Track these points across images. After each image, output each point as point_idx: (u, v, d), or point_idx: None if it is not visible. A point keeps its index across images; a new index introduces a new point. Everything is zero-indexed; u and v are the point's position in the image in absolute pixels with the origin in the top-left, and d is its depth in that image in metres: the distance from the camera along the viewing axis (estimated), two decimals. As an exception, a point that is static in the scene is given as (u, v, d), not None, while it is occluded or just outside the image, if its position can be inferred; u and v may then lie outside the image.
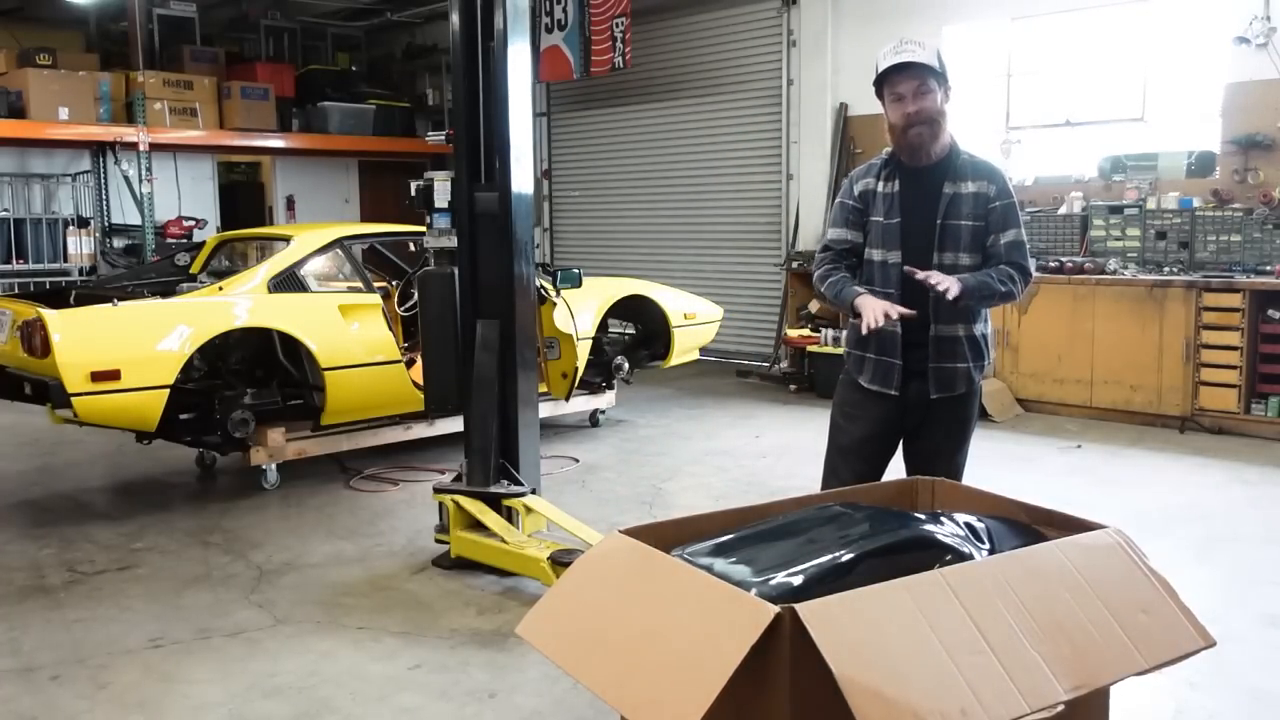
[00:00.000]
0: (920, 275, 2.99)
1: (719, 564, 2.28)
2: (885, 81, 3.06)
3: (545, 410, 6.27)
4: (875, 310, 2.94)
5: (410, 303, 6.35)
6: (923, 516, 2.51)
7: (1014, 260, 3.12)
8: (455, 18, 4.48)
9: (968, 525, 2.45)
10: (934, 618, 1.88)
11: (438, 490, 4.58)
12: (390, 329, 5.97)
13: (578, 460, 6.43)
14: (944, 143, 3.11)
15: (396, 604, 4.10)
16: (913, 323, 3.09)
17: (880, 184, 3.19)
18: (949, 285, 2.94)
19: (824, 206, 9.27)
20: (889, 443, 3.29)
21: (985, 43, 8.47)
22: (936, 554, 2.27)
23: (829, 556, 2.22)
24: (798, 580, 2.15)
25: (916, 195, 3.13)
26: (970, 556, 2.28)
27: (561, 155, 12.03)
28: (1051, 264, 7.50)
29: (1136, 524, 2.69)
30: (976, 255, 3.13)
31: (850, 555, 2.22)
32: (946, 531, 2.39)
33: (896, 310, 2.96)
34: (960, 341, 3.15)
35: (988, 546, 2.38)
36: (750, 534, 2.50)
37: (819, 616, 1.79)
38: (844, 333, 3.57)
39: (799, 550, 2.28)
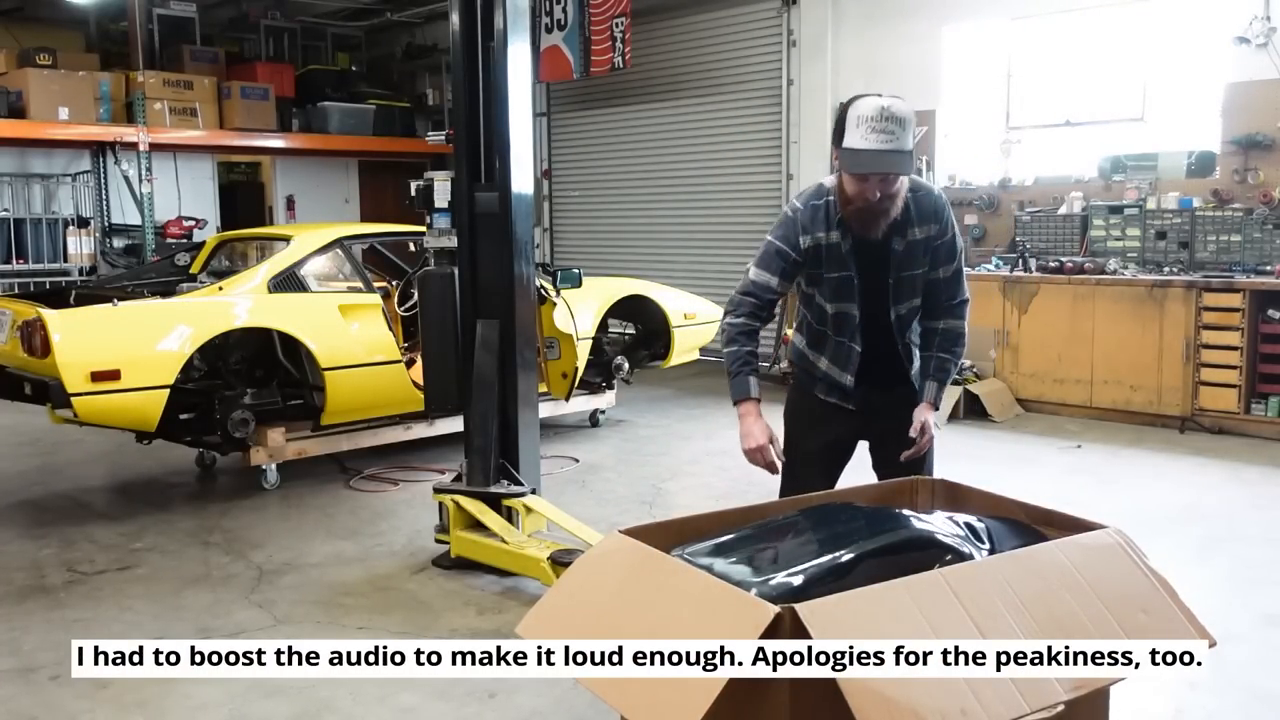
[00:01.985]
0: (914, 434, 2.96)
1: (719, 564, 2.28)
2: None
3: (545, 410, 6.27)
4: (755, 452, 2.91)
5: (410, 303, 6.35)
6: (923, 516, 2.51)
7: (955, 297, 3.02)
8: (455, 18, 4.48)
9: (968, 525, 2.45)
10: (934, 617, 1.88)
11: (438, 490, 4.58)
12: (390, 329, 5.97)
13: (578, 460, 6.43)
14: (900, 207, 2.84)
15: (396, 604, 4.10)
16: (868, 346, 3.02)
17: (828, 235, 2.90)
18: (932, 425, 2.95)
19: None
20: (848, 449, 3.22)
21: (985, 43, 8.47)
22: (936, 554, 2.27)
23: (829, 557, 2.22)
24: (798, 580, 2.15)
25: (868, 250, 2.91)
26: (970, 556, 2.28)
27: (561, 155, 12.03)
28: (1051, 264, 7.51)
29: (1136, 524, 2.69)
30: (922, 292, 3.04)
31: (850, 555, 2.22)
32: (946, 531, 2.39)
33: (774, 464, 2.90)
34: (908, 351, 3.10)
35: (988, 546, 2.38)
36: (750, 534, 2.50)
37: (819, 616, 1.79)
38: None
39: (799, 550, 2.28)
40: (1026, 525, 2.54)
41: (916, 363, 3.12)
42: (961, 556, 2.26)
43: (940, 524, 2.45)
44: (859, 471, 3.20)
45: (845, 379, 3.04)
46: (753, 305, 2.96)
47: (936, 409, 3.04)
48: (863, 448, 3.25)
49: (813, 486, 3.06)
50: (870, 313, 2.97)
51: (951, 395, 7.41)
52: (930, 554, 2.26)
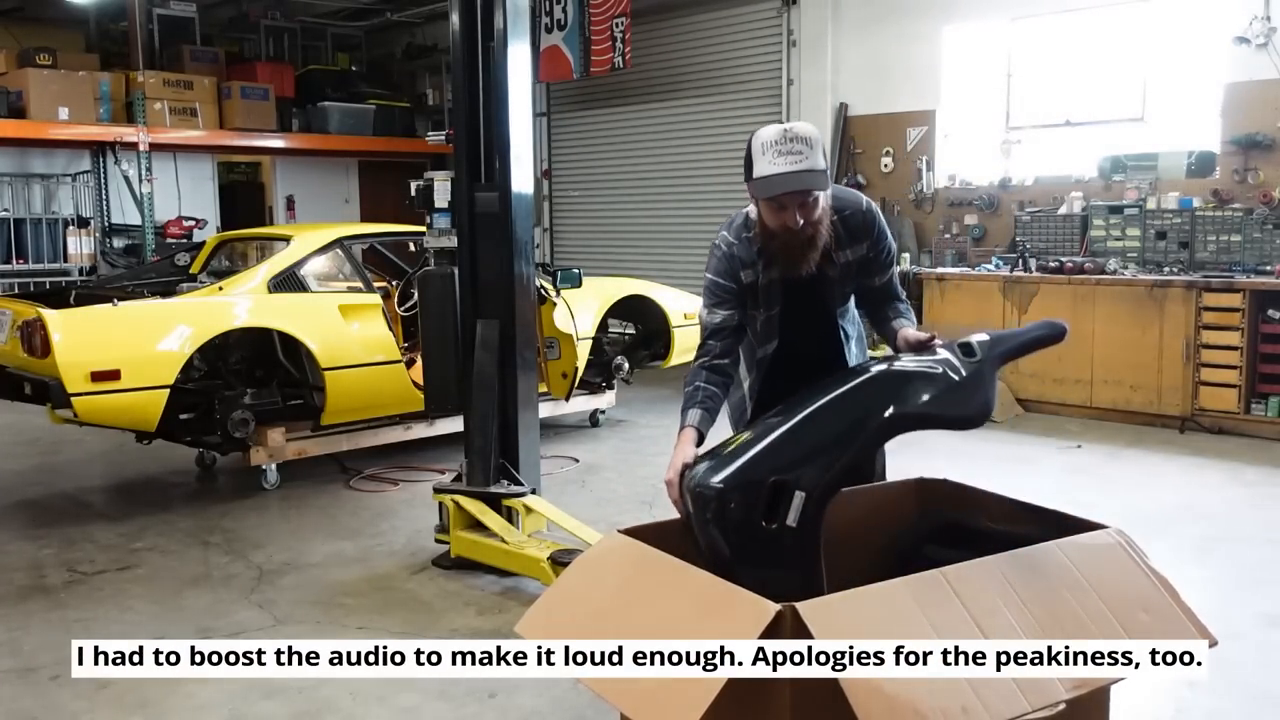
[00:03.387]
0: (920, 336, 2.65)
1: (702, 468, 2.37)
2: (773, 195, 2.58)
3: (545, 410, 6.27)
4: (668, 485, 2.59)
5: (410, 303, 6.34)
6: (897, 357, 2.55)
7: (891, 299, 2.88)
8: (455, 18, 4.48)
9: (961, 345, 2.40)
10: (935, 616, 1.88)
11: (438, 490, 4.58)
12: (390, 329, 5.97)
13: (578, 460, 6.43)
14: (825, 233, 2.68)
15: (396, 604, 4.10)
16: (801, 353, 2.89)
17: (760, 274, 2.77)
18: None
19: (824, 206, 9.25)
20: None
21: (985, 43, 8.47)
22: (891, 383, 2.32)
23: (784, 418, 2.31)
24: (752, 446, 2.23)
25: (797, 282, 2.77)
26: (935, 370, 2.30)
27: (561, 155, 12.03)
28: (1051, 264, 7.50)
29: (1136, 524, 2.69)
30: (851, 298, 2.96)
31: (804, 414, 2.31)
32: (913, 363, 2.41)
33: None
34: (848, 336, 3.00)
35: (965, 362, 2.35)
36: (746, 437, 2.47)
37: (820, 614, 1.79)
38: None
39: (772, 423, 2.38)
40: (1022, 342, 2.53)
41: (853, 352, 3.01)
42: (919, 374, 2.31)
43: (908, 361, 2.45)
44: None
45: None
46: (712, 347, 2.77)
47: None
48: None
49: None
50: (802, 337, 2.86)
51: (951, 395, 7.40)
52: (883, 384, 2.31)
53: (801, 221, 2.58)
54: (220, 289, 5.61)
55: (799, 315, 2.84)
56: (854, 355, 3.00)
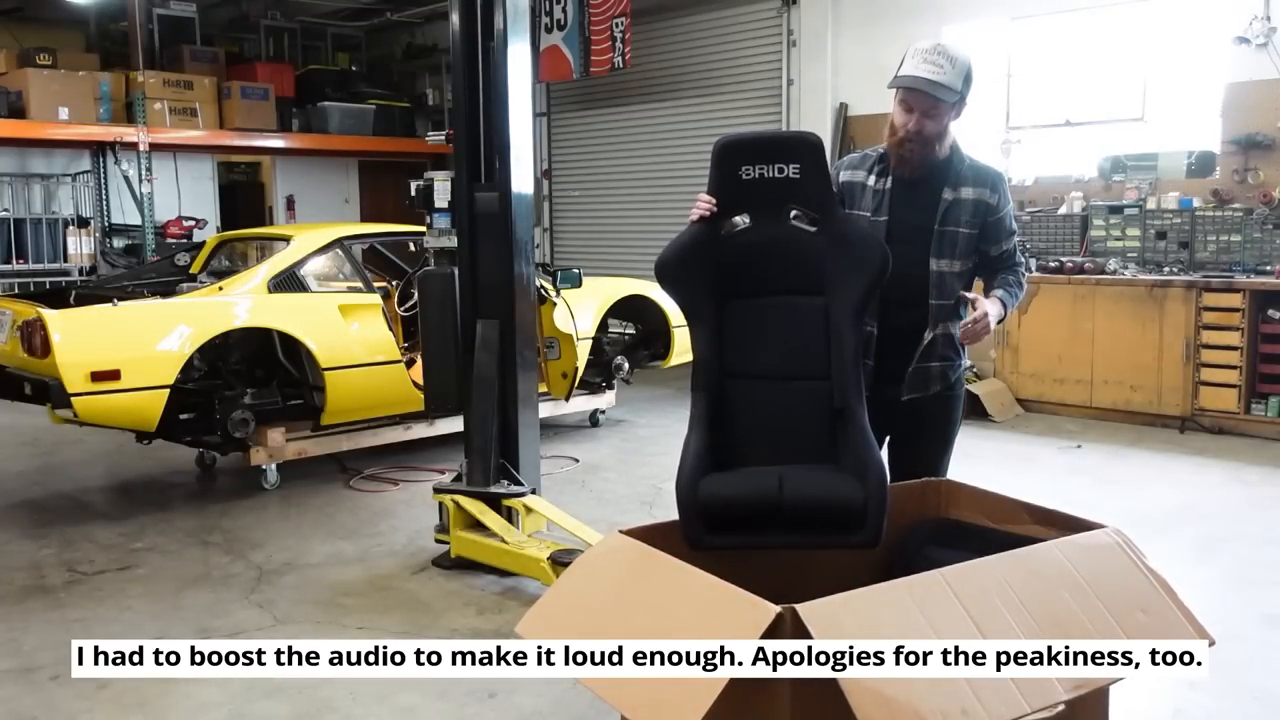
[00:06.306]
0: (970, 299, 2.90)
1: None
2: (901, 87, 2.88)
3: (545, 410, 6.27)
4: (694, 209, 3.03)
5: (410, 303, 6.34)
6: None
7: (1014, 264, 3.07)
8: (455, 18, 4.48)
9: None
10: (934, 617, 1.88)
11: (438, 490, 4.58)
12: (390, 329, 5.97)
13: (578, 460, 6.43)
14: (942, 151, 2.94)
15: (396, 604, 4.10)
16: (891, 324, 2.94)
17: (872, 178, 2.98)
18: (988, 315, 2.83)
19: (824, 206, 9.25)
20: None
21: (985, 43, 8.46)
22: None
23: None
24: None
25: (910, 197, 2.94)
26: None
27: (561, 155, 12.03)
28: (1051, 264, 7.50)
29: (1136, 524, 2.69)
30: (968, 261, 2.99)
31: None
32: None
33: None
34: (938, 341, 3.00)
35: None
36: None
37: (820, 616, 1.79)
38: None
39: None
40: None
41: (951, 361, 3.03)
42: None
43: None
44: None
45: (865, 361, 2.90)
46: None
47: (1004, 310, 2.96)
48: None
49: None
50: (903, 274, 2.80)
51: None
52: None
53: (917, 128, 2.85)
54: (220, 289, 5.61)
55: (904, 231, 2.93)
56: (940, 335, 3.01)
